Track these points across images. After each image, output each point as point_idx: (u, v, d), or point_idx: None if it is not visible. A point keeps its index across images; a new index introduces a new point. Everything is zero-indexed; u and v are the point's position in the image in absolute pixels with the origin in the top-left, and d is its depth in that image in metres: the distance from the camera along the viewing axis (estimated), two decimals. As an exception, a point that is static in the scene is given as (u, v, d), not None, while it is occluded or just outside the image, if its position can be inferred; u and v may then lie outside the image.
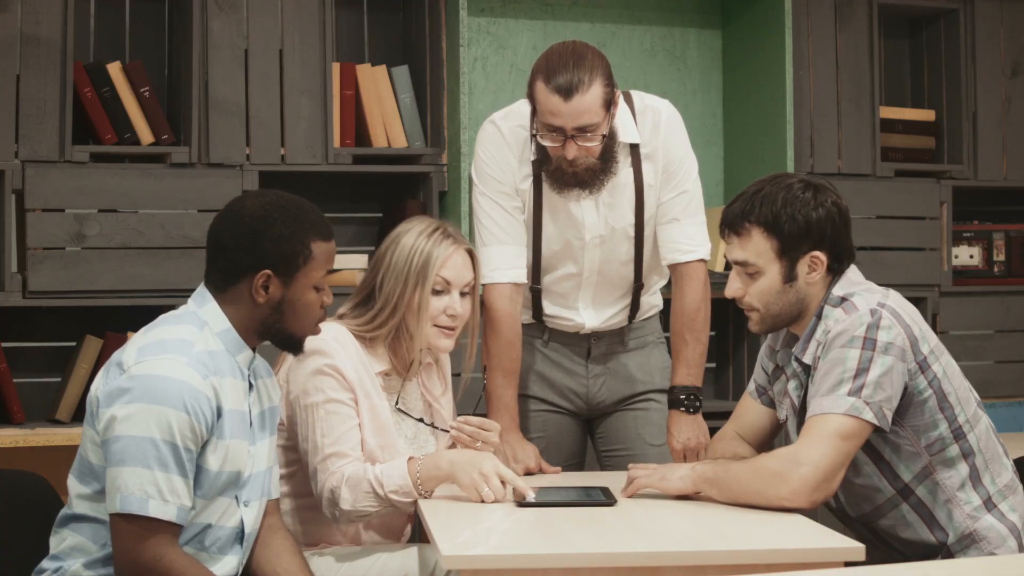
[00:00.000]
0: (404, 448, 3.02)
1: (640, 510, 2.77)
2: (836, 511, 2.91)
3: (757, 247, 2.81)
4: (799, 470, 2.64)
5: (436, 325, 3.01)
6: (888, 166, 4.60)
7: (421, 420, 3.09)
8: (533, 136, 3.20)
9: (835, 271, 2.83)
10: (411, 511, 2.95)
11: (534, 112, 3.18)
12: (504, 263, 3.27)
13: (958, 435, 2.77)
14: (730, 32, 4.56)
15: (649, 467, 2.89)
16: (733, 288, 2.87)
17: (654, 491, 2.85)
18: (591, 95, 3.08)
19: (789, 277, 2.81)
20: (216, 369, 2.58)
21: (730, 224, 2.85)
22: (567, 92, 3.07)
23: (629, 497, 2.85)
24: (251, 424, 2.66)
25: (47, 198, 3.87)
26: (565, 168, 3.18)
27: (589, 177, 3.20)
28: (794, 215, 2.78)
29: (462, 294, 3.03)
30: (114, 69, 3.99)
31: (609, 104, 3.13)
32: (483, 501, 2.81)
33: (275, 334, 2.67)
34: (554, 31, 4.40)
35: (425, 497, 2.87)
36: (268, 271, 2.60)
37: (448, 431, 3.09)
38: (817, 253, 2.80)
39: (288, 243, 2.61)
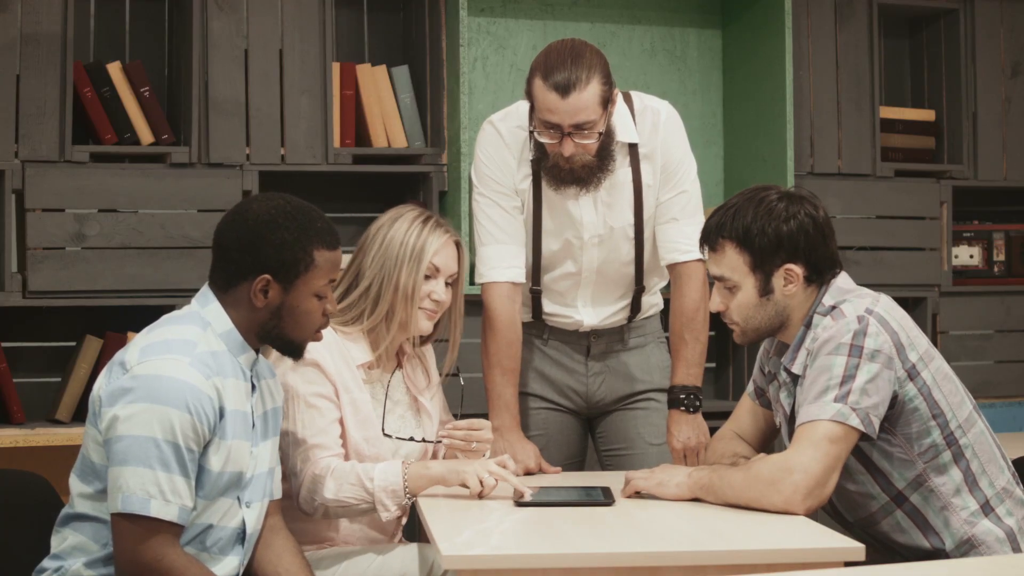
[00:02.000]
0: (389, 456, 3.02)
1: (640, 510, 2.77)
2: (834, 516, 2.91)
3: (731, 262, 2.81)
4: (791, 477, 2.64)
5: (419, 308, 3.04)
6: (888, 166, 4.60)
7: (412, 439, 3.09)
8: (531, 133, 3.21)
9: (816, 282, 2.82)
10: (390, 519, 2.94)
11: (532, 109, 3.18)
12: (502, 262, 3.27)
13: (951, 441, 2.75)
14: (730, 32, 4.56)
15: (646, 472, 2.90)
16: (715, 302, 2.88)
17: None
18: (588, 93, 3.09)
19: (765, 290, 2.81)
20: (219, 370, 2.58)
21: (706, 239, 2.86)
22: (564, 89, 3.08)
23: (627, 497, 2.85)
24: (253, 425, 2.66)
25: (47, 198, 3.86)
26: (562, 165, 3.18)
27: (586, 174, 3.20)
28: (764, 228, 2.78)
29: (446, 283, 3.06)
30: (114, 69, 3.99)
31: (607, 102, 3.14)
32: (482, 492, 2.85)
33: (274, 339, 2.68)
34: (554, 31, 4.39)
35: (410, 500, 2.88)
36: (267, 276, 2.60)
37: (440, 442, 3.10)
38: (791, 266, 2.79)
39: (290, 250, 2.60)
